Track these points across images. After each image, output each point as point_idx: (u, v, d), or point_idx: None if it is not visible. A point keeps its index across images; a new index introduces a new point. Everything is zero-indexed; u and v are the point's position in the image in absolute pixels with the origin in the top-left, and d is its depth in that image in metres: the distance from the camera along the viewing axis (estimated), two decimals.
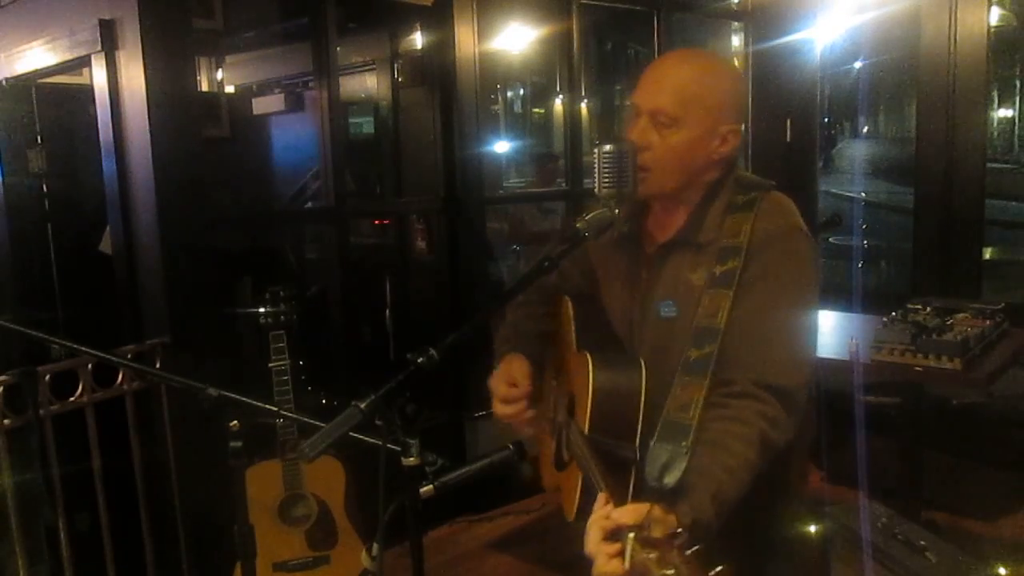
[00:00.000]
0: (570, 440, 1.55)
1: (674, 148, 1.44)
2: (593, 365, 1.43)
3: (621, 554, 1.06)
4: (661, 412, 1.34)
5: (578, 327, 1.65)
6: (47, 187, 3.47)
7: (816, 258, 1.45)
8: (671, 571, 0.96)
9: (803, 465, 1.64)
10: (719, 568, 0.99)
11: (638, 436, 1.39)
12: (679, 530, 1.03)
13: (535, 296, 1.81)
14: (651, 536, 1.03)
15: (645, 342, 1.54)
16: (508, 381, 1.68)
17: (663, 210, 1.55)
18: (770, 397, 1.30)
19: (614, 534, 1.10)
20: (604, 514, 1.13)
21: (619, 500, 1.16)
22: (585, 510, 1.38)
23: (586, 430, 1.43)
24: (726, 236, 1.43)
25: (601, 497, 1.17)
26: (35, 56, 3.18)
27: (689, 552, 0.98)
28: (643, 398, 1.40)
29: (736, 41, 5.16)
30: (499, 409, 1.70)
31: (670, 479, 1.23)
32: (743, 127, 1.50)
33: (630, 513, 1.09)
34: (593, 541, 1.12)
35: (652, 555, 1.00)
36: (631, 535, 1.03)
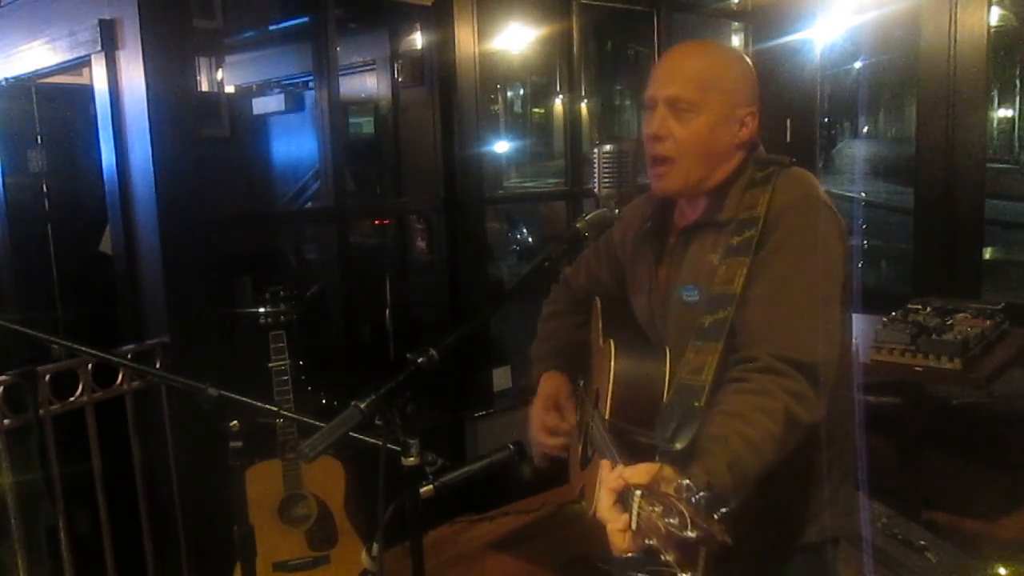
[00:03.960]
0: (592, 433, 1.52)
1: (697, 134, 1.41)
2: (615, 352, 1.41)
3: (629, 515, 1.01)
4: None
5: (605, 323, 1.63)
6: (47, 187, 3.47)
7: (839, 230, 1.40)
8: (675, 519, 0.92)
9: (846, 490, 1.53)
10: (723, 511, 0.93)
11: None
12: (686, 482, 0.96)
13: (565, 305, 1.80)
14: (659, 491, 0.98)
15: (669, 329, 1.50)
16: (555, 408, 1.66)
17: (687, 201, 1.52)
18: (794, 371, 1.24)
19: (623, 496, 1.04)
20: (615, 475, 1.07)
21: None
22: None
23: (607, 417, 1.39)
24: (744, 208, 1.39)
25: (606, 464, 1.14)
26: (35, 56, 3.18)
27: (696, 499, 0.93)
28: (667, 384, 1.36)
29: (736, 41, 5.16)
30: (541, 438, 1.68)
31: (682, 441, 1.16)
32: (758, 109, 1.48)
33: (640, 472, 1.04)
34: (604, 506, 1.07)
35: (657, 508, 0.95)
36: (637, 492, 0.99)
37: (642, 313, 1.58)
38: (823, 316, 1.32)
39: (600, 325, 1.65)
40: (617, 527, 1.03)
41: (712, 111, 1.41)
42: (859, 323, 3.23)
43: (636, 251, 1.61)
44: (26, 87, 3.42)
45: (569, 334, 1.77)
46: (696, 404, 1.19)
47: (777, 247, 1.33)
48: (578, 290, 1.78)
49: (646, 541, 0.97)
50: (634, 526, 0.99)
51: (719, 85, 1.43)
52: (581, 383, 1.74)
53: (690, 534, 0.91)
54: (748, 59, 1.52)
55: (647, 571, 0.96)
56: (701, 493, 0.94)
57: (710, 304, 1.31)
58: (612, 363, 1.39)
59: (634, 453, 1.23)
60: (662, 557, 0.94)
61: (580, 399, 1.71)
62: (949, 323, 2.83)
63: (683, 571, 0.93)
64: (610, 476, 1.07)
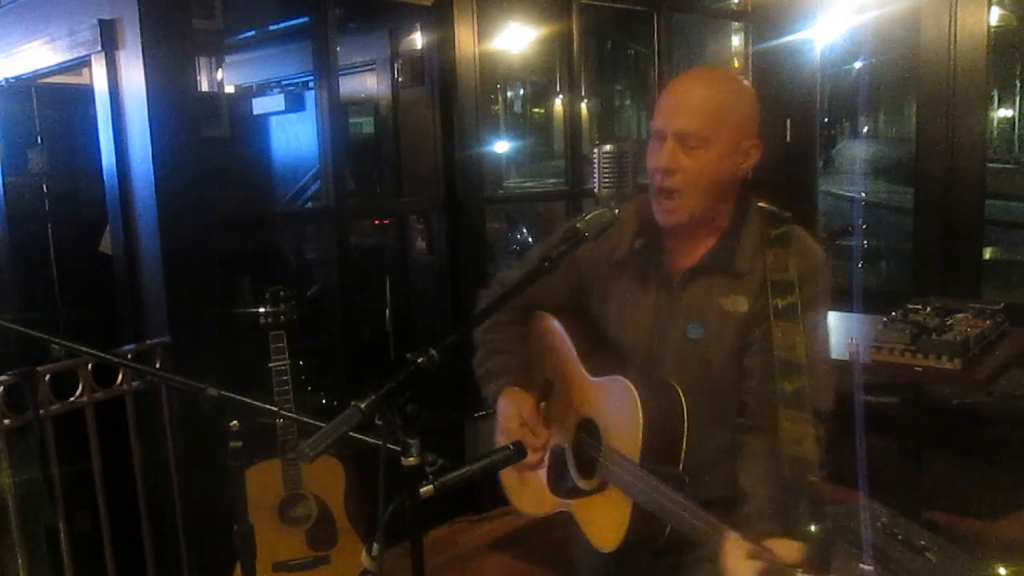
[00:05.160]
0: (606, 469, 1.53)
1: (704, 168, 1.45)
2: (639, 393, 1.45)
3: None
4: (697, 432, 1.42)
5: (583, 349, 1.64)
6: (47, 187, 3.47)
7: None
8: None
9: None
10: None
11: (682, 460, 1.42)
12: (852, 562, 1.13)
13: (507, 315, 1.76)
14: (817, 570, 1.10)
15: (670, 363, 1.54)
16: (525, 425, 1.65)
17: (688, 235, 1.55)
18: (819, 421, 1.37)
19: (769, 572, 1.15)
20: (745, 552, 1.19)
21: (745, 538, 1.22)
22: (636, 537, 1.45)
23: (637, 459, 1.43)
24: (775, 270, 1.47)
25: (733, 537, 1.23)
26: (35, 56, 3.18)
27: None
28: (686, 423, 1.43)
29: (736, 41, 5.16)
30: (511, 424, 1.67)
31: (812, 521, 1.28)
32: (761, 140, 1.53)
33: (792, 549, 1.16)
34: None
35: None
36: (799, 571, 1.10)
37: (633, 346, 1.60)
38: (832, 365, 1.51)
39: (577, 352, 1.64)
40: None
41: (721, 144, 1.45)
42: (859, 323, 3.24)
43: (620, 276, 1.62)
44: (26, 87, 3.42)
45: (516, 346, 1.75)
46: (813, 478, 1.32)
47: (808, 311, 1.44)
48: (523, 302, 1.68)
49: None
50: None
51: (728, 118, 1.46)
52: (543, 404, 1.72)
53: None
54: (752, 90, 1.55)
55: None
56: (862, 567, 1.10)
57: (783, 369, 1.40)
58: (640, 410, 1.43)
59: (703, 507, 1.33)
60: None
61: (549, 421, 1.69)
62: (949, 323, 2.83)
63: None
64: (742, 550, 1.20)
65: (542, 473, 1.70)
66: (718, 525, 1.27)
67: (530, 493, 1.75)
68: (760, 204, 1.56)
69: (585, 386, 1.62)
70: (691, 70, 1.61)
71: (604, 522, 1.53)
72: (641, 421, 1.43)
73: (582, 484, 1.60)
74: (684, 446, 1.42)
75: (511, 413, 1.66)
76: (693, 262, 1.54)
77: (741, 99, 1.51)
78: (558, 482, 1.67)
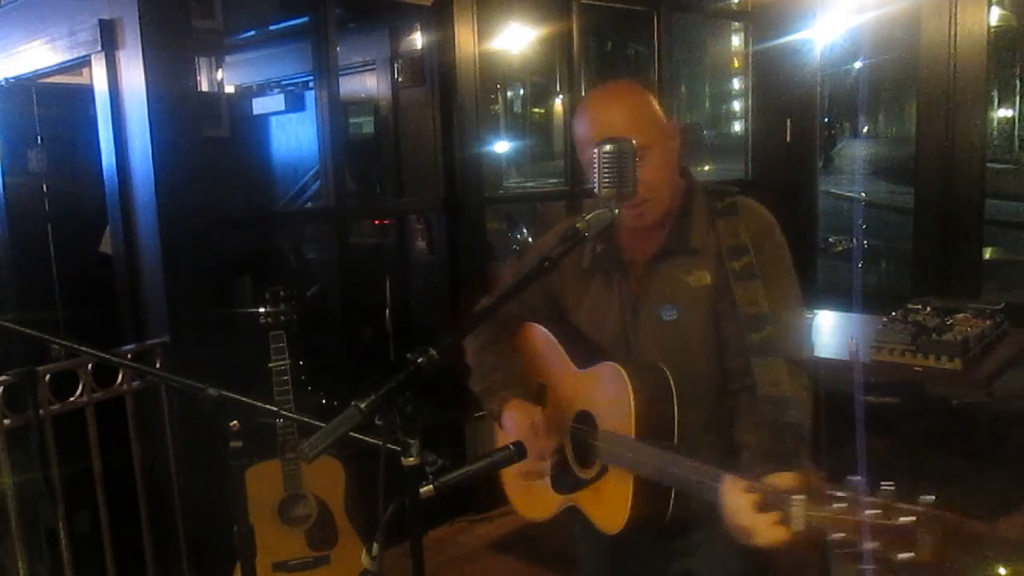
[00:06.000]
0: (604, 451, 1.56)
1: (658, 169, 1.54)
2: (628, 374, 1.50)
3: (783, 520, 1.16)
4: (684, 406, 1.48)
5: (568, 349, 1.71)
6: (47, 187, 3.47)
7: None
8: (877, 510, 1.05)
9: None
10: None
11: (675, 434, 1.47)
12: (847, 481, 1.11)
13: (494, 333, 1.83)
14: (818, 494, 1.12)
15: (646, 346, 1.61)
16: (536, 432, 1.67)
17: (646, 228, 1.61)
18: (799, 369, 1.47)
19: (767, 503, 1.19)
20: (744, 487, 1.23)
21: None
22: (642, 514, 1.49)
23: (633, 435, 1.47)
24: (727, 237, 1.55)
25: (728, 477, 1.28)
26: (35, 56, 3.18)
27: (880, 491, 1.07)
28: (675, 398, 1.49)
29: (736, 41, 5.17)
30: (534, 466, 1.69)
31: (802, 457, 1.35)
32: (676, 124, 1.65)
33: (789, 479, 1.20)
34: (748, 515, 1.22)
35: (839, 505, 1.08)
36: (799, 497, 1.13)
37: (606, 336, 1.67)
38: (803, 317, 1.60)
39: (564, 351, 1.71)
40: (771, 522, 1.18)
41: (658, 142, 1.54)
42: (859, 323, 3.24)
43: (587, 280, 1.69)
44: (26, 87, 3.42)
45: (510, 361, 1.81)
46: (792, 413, 1.40)
47: (764, 269, 1.53)
48: (506, 319, 1.82)
49: (833, 536, 1.10)
50: (800, 527, 1.14)
51: (650, 115, 1.56)
52: (543, 409, 1.74)
53: (873, 512, 1.06)
54: (639, 83, 1.65)
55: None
56: (853, 479, 1.09)
57: (748, 322, 1.48)
58: (630, 385, 1.49)
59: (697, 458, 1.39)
60: (864, 546, 1.07)
61: (555, 424, 1.71)
62: (949, 323, 2.83)
63: (901, 552, 1.07)
64: (739, 486, 1.24)
65: (544, 477, 1.72)
66: (714, 471, 1.32)
67: (535, 499, 1.77)
68: (703, 183, 1.66)
69: (575, 381, 1.67)
70: (593, 94, 1.73)
71: (608, 505, 1.56)
72: (632, 399, 1.48)
73: (583, 475, 1.63)
74: (676, 421, 1.48)
75: (522, 422, 1.68)
76: (654, 250, 1.61)
77: (644, 95, 1.59)
78: (560, 480, 1.69)
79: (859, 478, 1.09)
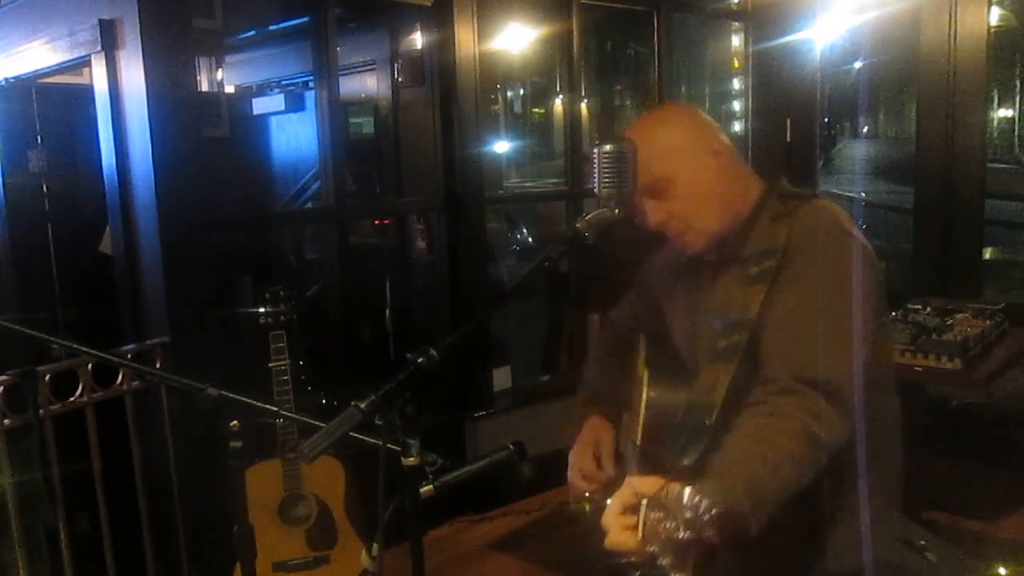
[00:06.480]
0: (624, 456, 1.57)
1: (686, 199, 1.46)
2: (648, 379, 1.48)
3: (635, 525, 1.05)
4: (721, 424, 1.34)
5: (647, 354, 1.66)
6: (47, 187, 3.47)
7: (864, 256, 1.39)
8: (672, 523, 0.97)
9: (890, 519, 1.52)
10: (714, 511, 0.98)
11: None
12: (687, 489, 1.00)
13: (609, 346, 1.82)
14: (661, 499, 1.02)
15: (700, 358, 1.52)
16: (594, 455, 1.66)
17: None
18: (811, 391, 1.24)
19: (632, 508, 1.08)
20: (626, 485, 1.13)
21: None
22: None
23: (638, 441, 1.46)
24: (765, 241, 1.43)
25: (627, 479, 1.19)
26: (35, 56, 3.18)
27: (693, 503, 0.97)
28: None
29: (736, 41, 5.16)
30: (576, 481, 1.69)
31: (689, 457, 1.22)
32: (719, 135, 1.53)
33: (648, 483, 1.08)
34: (611, 513, 1.12)
35: (659, 514, 1.00)
36: (644, 501, 1.03)
37: (681, 344, 1.61)
38: (842, 337, 1.30)
39: (642, 356, 1.67)
40: (624, 525, 1.08)
41: (683, 169, 1.45)
42: None
43: (673, 286, 1.65)
44: (26, 87, 3.42)
45: (612, 376, 1.78)
46: (706, 421, 1.24)
47: (797, 274, 1.36)
48: (620, 327, 1.81)
49: (647, 548, 1.01)
50: (640, 534, 1.03)
51: (669, 144, 1.46)
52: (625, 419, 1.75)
53: (681, 535, 0.96)
54: (674, 107, 1.56)
55: (643, 574, 0.99)
56: (698, 499, 0.98)
57: (725, 328, 1.36)
58: (644, 389, 1.46)
59: (658, 472, 1.24)
60: (660, 562, 0.99)
61: (623, 437, 1.72)
62: (949, 323, 2.83)
63: (675, 572, 0.98)
64: (621, 489, 1.13)
65: None
66: (634, 470, 1.29)
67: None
68: (781, 187, 1.54)
69: (636, 386, 1.64)
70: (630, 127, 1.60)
71: None
72: (643, 408, 1.46)
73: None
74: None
75: (581, 441, 1.68)
76: (714, 258, 1.55)
77: (666, 121, 1.52)
78: None
79: (705, 502, 0.99)
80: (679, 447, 1.23)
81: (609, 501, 1.14)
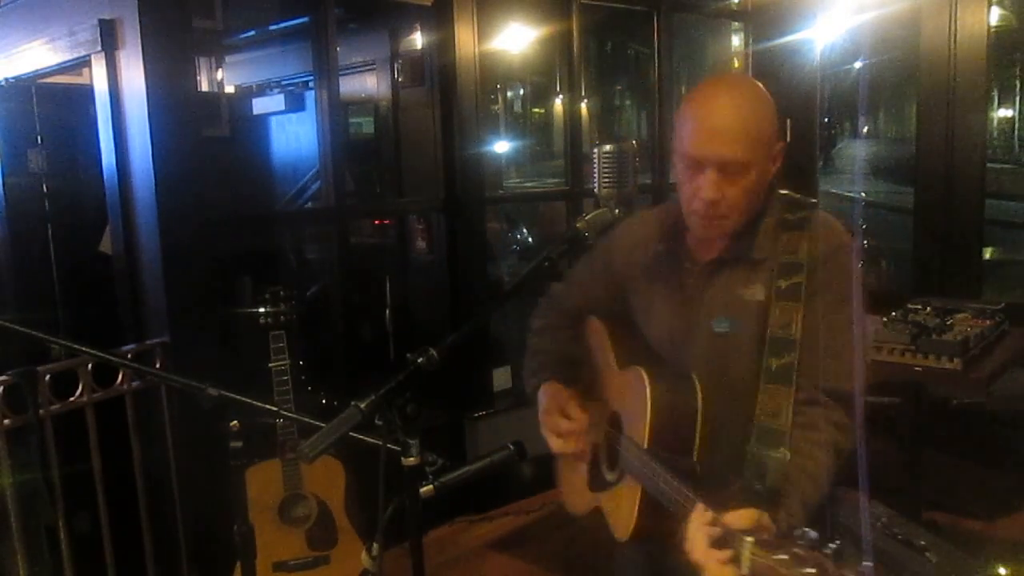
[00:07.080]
0: (623, 457, 1.54)
1: (746, 189, 1.45)
2: (650, 381, 1.45)
3: (733, 559, 1.11)
4: (718, 425, 1.41)
5: (615, 345, 1.66)
6: (47, 187, 3.47)
7: (859, 272, 1.50)
8: (813, 570, 1.01)
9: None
10: (832, 546, 1.03)
11: (695, 450, 1.41)
12: (798, 530, 1.06)
13: (557, 320, 1.81)
14: (770, 540, 1.07)
15: (697, 357, 1.52)
16: (562, 414, 1.67)
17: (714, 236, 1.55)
18: (835, 404, 1.36)
19: (722, 540, 1.14)
20: (707, 520, 1.18)
21: (715, 509, 1.20)
22: (647, 526, 1.45)
23: (645, 445, 1.43)
24: (784, 252, 1.46)
25: (699, 507, 1.23)
26: (35, 56, 3.18)
27: (805, 540, 1.03)
28: (700, 413, 1.43)
29: (736, 41, 5.17)
30: (556, 445, 1.69)
31: (771, 483, 1.28)
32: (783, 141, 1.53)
33: (744, 518, 1.15)
34: (700, 548, 1.18)
35: (773, 554, 1.04)
36: (749, 539, 1.08)
37: (661, 341, 1.61)
38: (855, 349, 1.42)
39: (611, 347, 1.66)
40: (721, 560, 1.14)
41: (759, 163, 1.45)
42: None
43: (647, 276, 1.63)
44: (26, 87, 3.42)
45: (562, 347, 1.78)
46: (782, 449, 1.31)
47: (817, 291, 1.42)
48: (570, 308, 1.80)
49: None
50: (746, 570, 1.09)
51: (762, 137, 1.45)
52: (587, 403, 1.73)
53: (809, 571, 1.01)
54: (767, 93, 1.51)
55: None
56: (806, 532, 1.04)
57: (772, 347, 1.39)
58: (648, 395, 1.44)
59: (682, 480, 1.32)
60: None
61: (592, 420, 1.70)
62: (949, 323, 2.83)
63: None
64: (702, 522, 1.19)
65: (584, 472, 1.72)
66: (690, 497, 1.28)
67: (575, 492, 1.77)
68: (782, 192, 1.56)
69: (614, 380, 1.64)
70: (716, 86, 1.54)
71: (620, 511, 1.55)
72: (649, 408, 1.43)
73: (608, 476, 1.62)
74: (698, 437, 1.41)
75: (548, 403, 1.69)
76: (712, 256, 1.54)
77: (768, 110, 1.48)
78: (594, 478, 1.68)
79: (811, 532, 1.05)
80: (758, 473, 1.29)
81: (693, 536, 1.19)
